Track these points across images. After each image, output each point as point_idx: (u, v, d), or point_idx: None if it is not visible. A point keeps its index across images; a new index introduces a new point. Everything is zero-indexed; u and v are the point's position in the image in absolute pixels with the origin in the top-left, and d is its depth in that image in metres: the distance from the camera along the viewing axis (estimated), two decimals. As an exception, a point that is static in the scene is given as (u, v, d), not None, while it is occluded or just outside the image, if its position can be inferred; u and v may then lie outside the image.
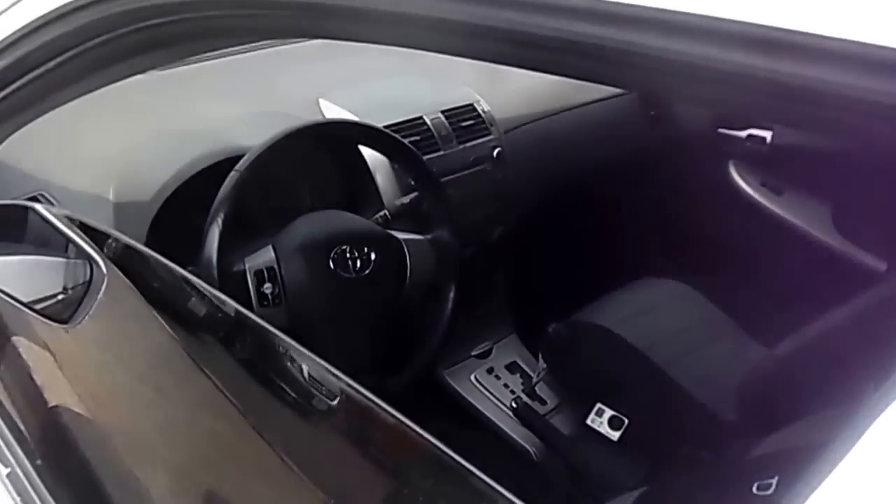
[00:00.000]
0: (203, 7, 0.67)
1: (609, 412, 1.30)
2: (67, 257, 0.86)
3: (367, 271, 1.05)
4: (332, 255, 1.03)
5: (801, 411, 1.04)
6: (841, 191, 1.48)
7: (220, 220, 0.95)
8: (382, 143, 1.12)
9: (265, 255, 1.01)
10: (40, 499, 0.66)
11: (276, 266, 1.00)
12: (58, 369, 0.88)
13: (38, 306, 0.85)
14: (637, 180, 1.47)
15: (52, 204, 1.07)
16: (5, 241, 0.90)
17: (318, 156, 1.15)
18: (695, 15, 0.37)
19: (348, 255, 1.04)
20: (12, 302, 0.85)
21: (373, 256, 1.05)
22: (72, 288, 0.85)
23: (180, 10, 0.67)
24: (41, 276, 0.89)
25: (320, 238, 1.03)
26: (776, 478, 0.82)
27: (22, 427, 0.79)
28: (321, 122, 1.06)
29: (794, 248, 1.52)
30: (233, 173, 0.97)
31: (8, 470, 0.68)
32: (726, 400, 1.28)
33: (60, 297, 0.86)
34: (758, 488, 0.81)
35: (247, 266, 0.99)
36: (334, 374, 0.58)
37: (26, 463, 0.69)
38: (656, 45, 0.39)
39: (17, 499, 0.67)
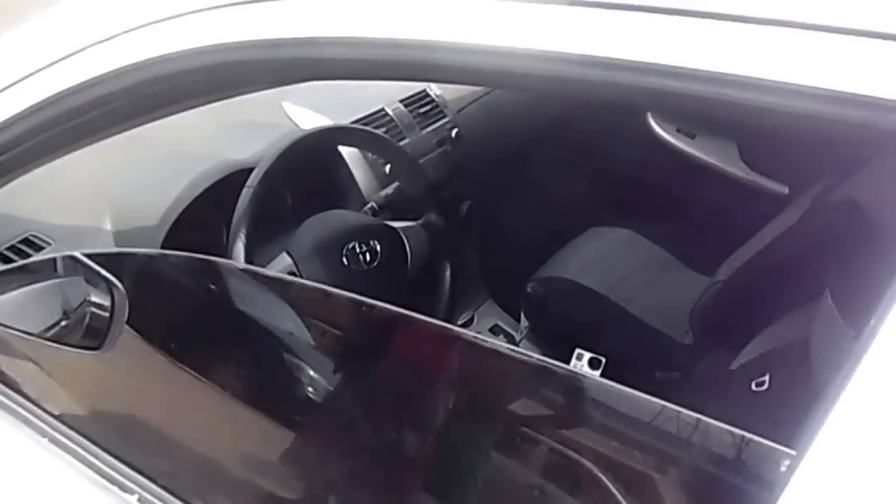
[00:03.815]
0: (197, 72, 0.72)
1: (588, 355, 1.44)
2: (88, 287, 0.87)
3: (375, 263, 1.12)
4: (344, 251, 1.09)
5: (756, 324, 1.23)
6: (744, 129, 1.68)
7: (242, 235, 0.99)
8: (366, 139, 1.19)
9: (283, 262, 1.06)
10: None
11: (296, 270, 1.06)
12: (102, 392, 0.91)
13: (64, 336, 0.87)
14: (572, 141, 1.61)
15: (47, 243, 1.06)
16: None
17: (306, 162, 1.20)
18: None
19: (358, 249, 1.11)
20: (45, 342, 0.86)
21: (378, 248, 1.13)
22: (98, 315, 0.86)
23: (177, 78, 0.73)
24: (48, 307, 0.90)
25: (331, 238, 1.09)
26: (767, 376, 0.99)
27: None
28: (312, 132, 1.11)
29: (711, 184, 1.72)
30: (245, 190, 1.01)
31: (136, 496, 0.72)
32: (682, 326, 1.46)
33: (89, 323, 0.87)
34: (756, 385, 0.98)
35: None
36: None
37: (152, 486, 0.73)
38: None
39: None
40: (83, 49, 0.76)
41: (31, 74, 0.81)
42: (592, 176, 1.71)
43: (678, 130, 1.74)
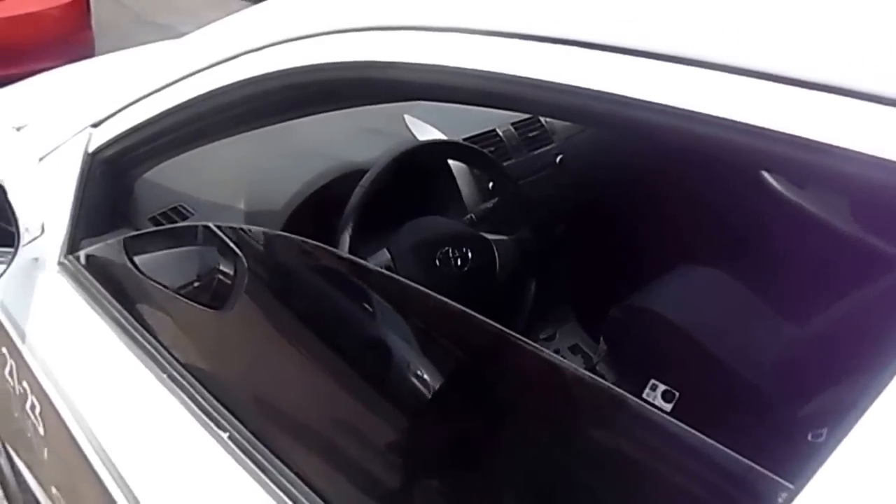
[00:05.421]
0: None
1: (662, 387, 1.48)
2: (218, 255, 1.02)
3: (465, 268, 1.22)
4: (437, 254, 1.20)
5: (835, 379, 1.23)
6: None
7: (350, 227, 1.13)
8: (473, 157, 1.30)
9: (383, 256, 1.18)
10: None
11: (392, 265, 1.18)
12: (216, 344, 1.06)
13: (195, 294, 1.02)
14: (678, 179, 1.64)
15: (190, 213, 1.24)
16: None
17: (416, 170, 1.33)
18: None
19: (450, 254, 1.21)
20: (179, 297, 1.02)
21: (469, 255, 1.23)
22: (223, 281, 1.01)
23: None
24: (186, 268, 1.06)
25: (428, 240, 1.20)
26: (825, 429, 1.01)
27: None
28: (424, 144, 1.24)
29: (818, 236, 1.70)
30: (358, 188, 1.15)
31: (227, 433, 0.85)
32: (765, 373, 1.46)
33: (216, 287, 1.01)
34: (812, 436, 1.00)
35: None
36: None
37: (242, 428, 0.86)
38: None
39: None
40: (237, 55, 0.91)
41: (194, 73, 0.97)
42: (691, 214, 1.73)
43: (787, 179, 1.73)
